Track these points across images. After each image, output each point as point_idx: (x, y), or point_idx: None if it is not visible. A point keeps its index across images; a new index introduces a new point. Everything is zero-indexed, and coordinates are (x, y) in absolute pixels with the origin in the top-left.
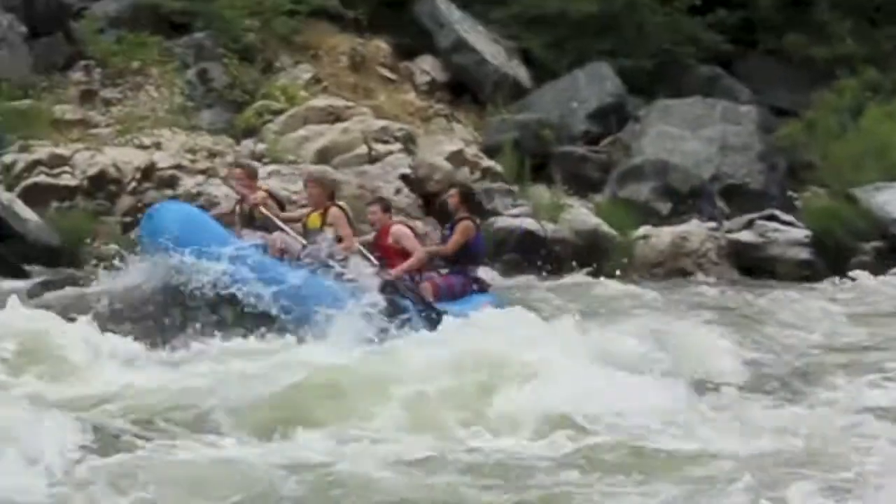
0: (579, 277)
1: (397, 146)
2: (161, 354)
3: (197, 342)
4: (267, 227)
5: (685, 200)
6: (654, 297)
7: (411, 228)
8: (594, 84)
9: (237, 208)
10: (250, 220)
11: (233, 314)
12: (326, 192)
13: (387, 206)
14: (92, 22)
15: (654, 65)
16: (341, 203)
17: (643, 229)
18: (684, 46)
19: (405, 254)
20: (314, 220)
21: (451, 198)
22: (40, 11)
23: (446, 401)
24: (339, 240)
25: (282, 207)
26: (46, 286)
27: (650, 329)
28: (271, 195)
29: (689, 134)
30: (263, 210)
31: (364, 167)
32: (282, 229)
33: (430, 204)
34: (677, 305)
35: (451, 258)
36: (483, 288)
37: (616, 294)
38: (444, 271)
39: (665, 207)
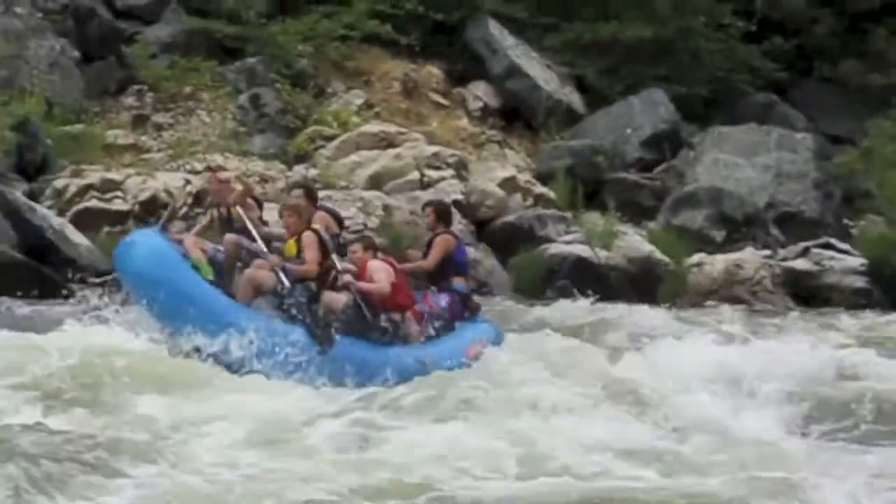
0: (631, 305)
1: (449, 172)
2: None
3: None
4: (246, 230)
5: (739, 228)
6: (706, 324)
7: (391, 264)
8: (648, 111)
9: (215, 214)
10: (229, 222)
11: None
12: (304, 219)
13: (369, 245)
14: (144, 47)
15: (708, 91)
16: (316, 226)
17: (697, 257)
18: (739, 73)
19: None
20: (290, 247)
21: (427, 216)
22: (93, 36)
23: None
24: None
25: (260, 206)
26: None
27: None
28: (253, 197)
29: (744, 161)
30: (240, 210)
31: (416, 193)
32: (249, 234)
33: (483, 230)
34: (730, 332)
35: (434, 274)
36: (473, 309)
37: (666, 321)
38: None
39: (719, 235)
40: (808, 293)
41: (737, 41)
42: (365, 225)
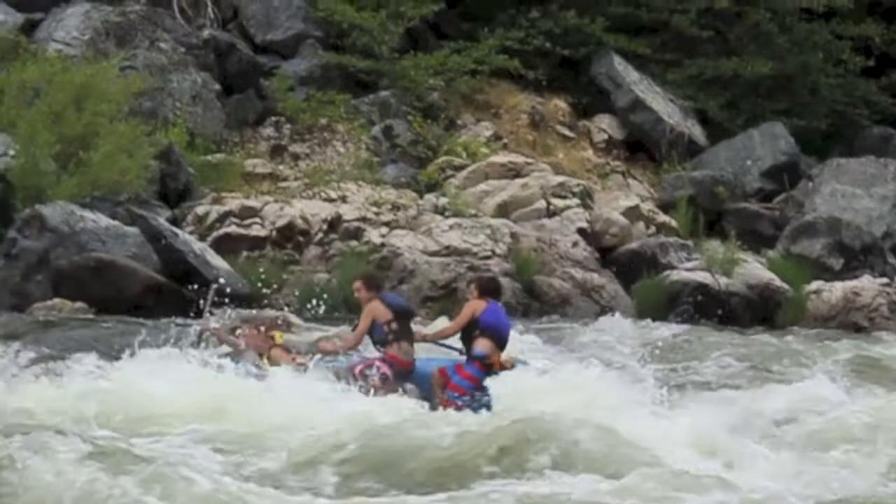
0: (751, 330)
1: (575, 201)
2: None
3: None
4: None
5: (857, 257)
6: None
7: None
8: (768, 143)
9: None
10: None
11: None
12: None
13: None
14: (282, 80)
15: (827, 125)
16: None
17: (815, 284)
18: (857, 107)
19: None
20: None
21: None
22: (233, 71)
23: None
24: None
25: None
26: None
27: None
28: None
29: (862, 192)
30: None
31: (542, 221)
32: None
33: (607, 257)
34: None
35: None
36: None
37: (784, 347)
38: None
39: (837, 263)
40: None
41: (855, 76)
42: (493, 252)
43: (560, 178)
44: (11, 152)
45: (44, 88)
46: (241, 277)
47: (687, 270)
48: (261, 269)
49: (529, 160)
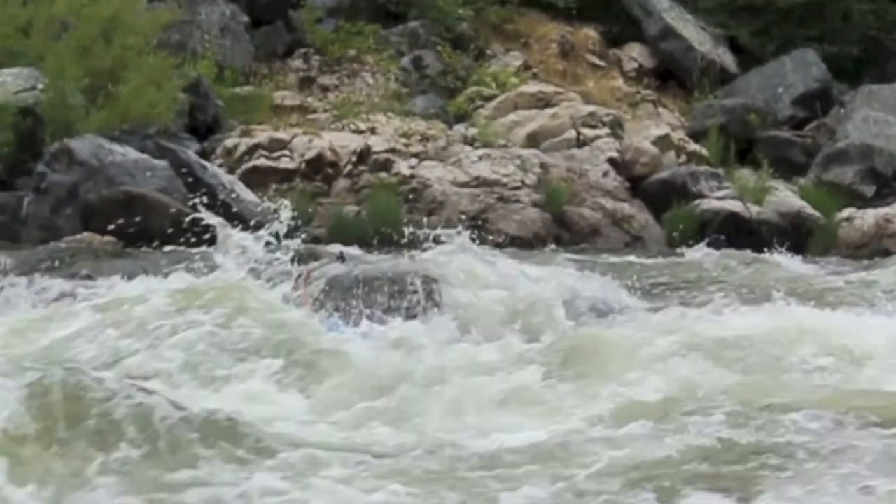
0: (781, 257)
1: (605, 131)
2: None
3: None
4: None
5: (889, 183)
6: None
7: None
8: (800, 70)
9: None
10: None
11: None
12: None
13: None
14: (311, 12)
15: (859, 51)
16: None
17: (847, 211)
18: (890, 33)
19: None
20: None
21: None
22: (262, 2)
23: None
24: None
25: None
26: None
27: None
28: None
29: (894, 118)
30: None
31: (572, 151)
32: None
33: (637, 186)
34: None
35: None
36: None
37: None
38: None
39: (869, 190)
40: None
41: (888, 1)
42: (523, 182)
43: (590, 108)
44: (40, 86)
45: (71, 22)
46: (269, 210)
47: (718, 199)
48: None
49: (559, 90)
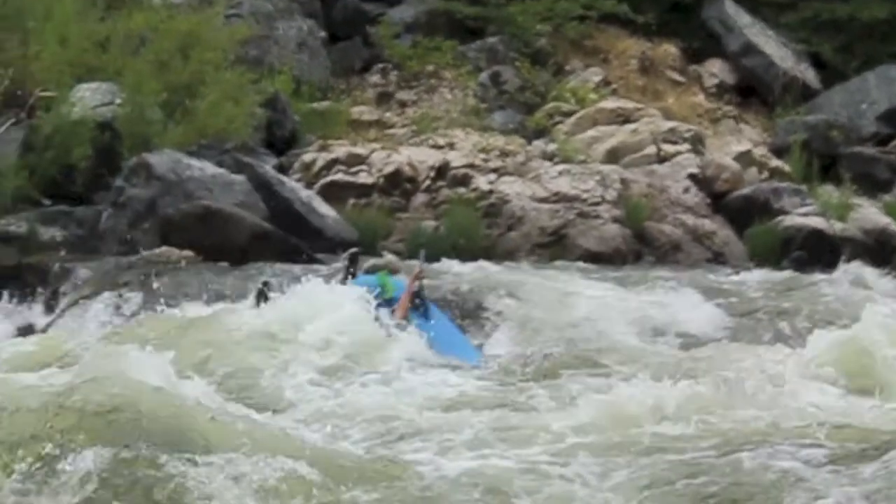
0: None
1: (685, 146)
2: None
3: None
4: None
5: None
6: None
7: None
8: (884, 86)
9: None
10: None
11: None
12: None
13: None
14: (388, 27)
15: None
16: None
17: None
18: None
19: None
20: None
21: None
22: (339, 18)
23: None
24: None
25: None
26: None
27: None
28: None
29: None
30: None
31: (653, 167)
32: None
33: (719, 203)
34: None
35: None
36: None
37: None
38: None
39: None
40: None
41: None
42: (603, 198)
43: (670, 124)
44: (118, 101)
45: (149, 37)
46: (348, 225)
47: (801, 216)
48: (368, 217)
49: (639, 106)
